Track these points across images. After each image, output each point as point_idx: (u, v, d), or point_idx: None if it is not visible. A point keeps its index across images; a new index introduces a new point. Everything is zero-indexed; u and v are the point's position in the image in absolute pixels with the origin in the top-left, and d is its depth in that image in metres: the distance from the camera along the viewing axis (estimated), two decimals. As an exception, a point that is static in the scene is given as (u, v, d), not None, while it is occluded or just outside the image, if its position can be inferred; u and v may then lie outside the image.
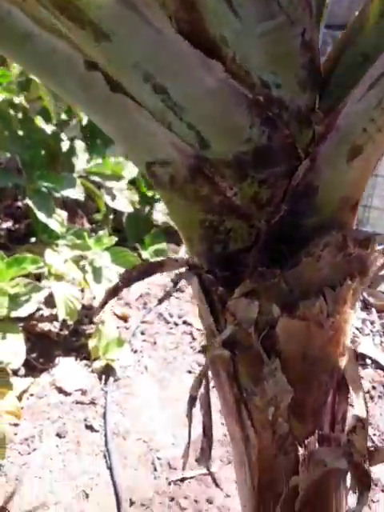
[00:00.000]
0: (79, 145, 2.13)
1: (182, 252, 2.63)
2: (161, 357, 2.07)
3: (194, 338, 2.19)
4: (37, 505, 1.44)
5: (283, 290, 0.53)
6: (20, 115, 2.03)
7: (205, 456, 0.93)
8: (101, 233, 2.02)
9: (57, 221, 1.90)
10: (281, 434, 0.67)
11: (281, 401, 0.62)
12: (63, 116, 2.12)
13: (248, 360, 0.59)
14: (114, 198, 2.26)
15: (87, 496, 1.47)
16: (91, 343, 1.95)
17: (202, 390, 0.89)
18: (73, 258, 1.91)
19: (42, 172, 1.94)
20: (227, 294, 0.55)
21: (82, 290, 2.02)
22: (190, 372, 2.01)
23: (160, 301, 2.22)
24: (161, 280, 2.56)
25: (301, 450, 0.70)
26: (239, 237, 0.49)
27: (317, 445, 0.70)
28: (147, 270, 0.59)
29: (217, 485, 0.93)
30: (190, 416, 0.92)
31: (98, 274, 1.93)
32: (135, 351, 2.08)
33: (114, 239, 2.04)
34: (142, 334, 2.20)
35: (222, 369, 0.66)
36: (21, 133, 1.89)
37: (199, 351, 2.12)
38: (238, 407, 0.69)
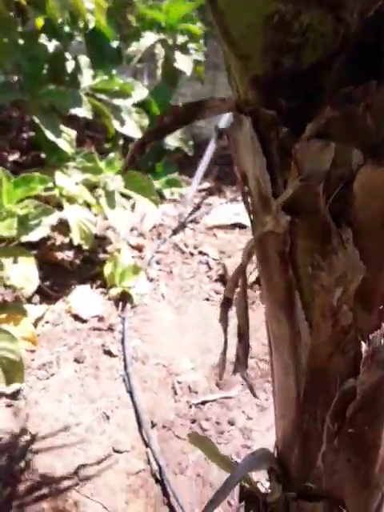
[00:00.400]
0: (84, 60, 1.93)
1: (195, 184, 2.47)
2: (177, 285, 1.98)
3: (210, 268, 2.09)
4: (57, 427, 1.39)
5: (368, 129, 0.40)
6: (20, 28, 1.83)
7: (241, 363, 0.83)
8: (112, 155, 1.87)
9: (66, 140, 1.75)
10: (342, 326, 0.55)
11: (350, 281, 0.50)
12: (66, 28, 1.90)
13: (312, 231, 0.47)
14: (122, 122, 2.08)
15: (108, 418, 1.43)
16: (106, 271, 1.86)
17: (237, 290, 0.77)
18: (83, 181, 1.77)
19: (46, 88, 1.76)
20: (292, 139, 0.42)
21: (95, 215, 1.89)
22: (207, 299, 1.93)
23: (175, 231, 2.10)
24: (174, 211, 2.43)
25: (363, 347, 0.58)
26: (319, 39, 0.35)
27: (382, 341, 0.58)
28: (185, 114, 0.45)
29: (254, 395, 0.84)
30: (225, 319, 0.81)
31: (111, 198, 1.80)
32: (151, 280, 1.98)
33: (127, 162, 1.88)
34: (158, 263, 2.10)
35: (273, 249, 0.54)
36: (21, 42, 1.70)
37: (216, 280, 2.02)
38: (289, 297, 0.58)
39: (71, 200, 1.71)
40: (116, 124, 2.04)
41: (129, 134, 2.12)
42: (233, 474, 0.88)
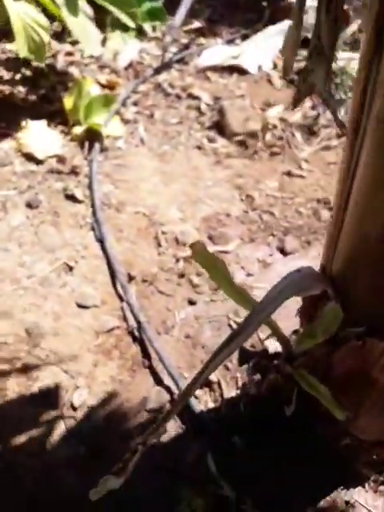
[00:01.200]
0: None
1: (183, 11, 1.98)
2: (160, 131, 1.60)
3: (201, 113, 1.70)
4: (2, 280, 1.08)
5: None
6: None
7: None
8: None
9: None
10: None
11: None
12: None
13: None
14: None
15: (71, 269, 1.11)
16: (68, 103, 1.45)
17: None
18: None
19: None
20: None
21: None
22: (199, 148, 1.56)
23: (157, 70, 1.63)
24: (156, 50, 1.97)
25: None
26: None
27: None
28: None
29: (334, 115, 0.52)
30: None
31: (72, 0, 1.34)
32: (127, 122, 1.59)
33: None
34: (135, 105, 1.69)
35: None
36: None
37: (209, 127, 1.64)
38: None
39: (14, -8, 1.26)
40: None
41: None
42: (261, 306, 0.57)
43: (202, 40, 2.10)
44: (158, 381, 0.93)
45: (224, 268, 0.65)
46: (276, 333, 0.68)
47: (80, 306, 1.03)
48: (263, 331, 1.05)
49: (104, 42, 1.92)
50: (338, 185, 0.58)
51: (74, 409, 0.88)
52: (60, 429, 0.85)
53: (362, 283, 0.53)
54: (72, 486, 0.77)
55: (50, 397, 0.90)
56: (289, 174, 1.49)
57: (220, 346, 0.58)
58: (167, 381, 0.92)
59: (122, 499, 0.72)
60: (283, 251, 1.27)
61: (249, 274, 1.20)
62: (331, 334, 0.58)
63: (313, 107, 1.81)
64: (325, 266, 0.61)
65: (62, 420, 0.87)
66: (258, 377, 0.94)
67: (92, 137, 1.44)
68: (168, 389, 0.92)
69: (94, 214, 1.23)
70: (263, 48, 2.03)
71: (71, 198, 1.28)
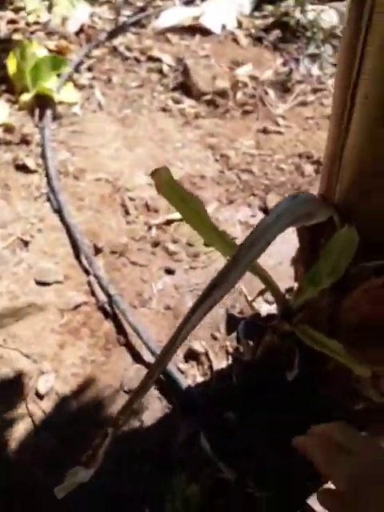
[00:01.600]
0: None
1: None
2: (120, 95, 1.49)
3: (164, 75, 1.60)
4: None
5: None
6: None
7: None
8: None
9: None
10: None
11: None
12: None
13: None
14: None
15: (26, 244, 1.00)
16: (11, 66, 1.33)
17: None
18: None
19: None
20: None
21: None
22: (164, 110, 1.46)
23: (112, 33, 1.51)
24: (108, 13, 1.86)
25: None
26: None
27: None
28: None
29: None
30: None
31: None
32: (82, 87, 1.48)
33: None
34: (89, 70, 1.58)
35: None
36: None
37: (174, 88, 1.54)
38: None
39: None
40: None
41: None
42: (250, 240, 0.46)
43: (158, 2, 2.00)
44: (137, 357, 0.83)
45: (199, 204, 0.55)
46: (268, 284, 0.58)
47: (39, 283, 0.92)
48: (250, 293, 0.96)
49: (50, 8, 1.81)
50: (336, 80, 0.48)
51: (40, 397, 0.78)
52: (26, 421, 0.75)
53: (375, 202, 0.44)
54: (41, 482, 0.66)
55: (11, 386, 0.79)
56: (265, 131, 1.41)
57: (198, 299, 0.47)
58: (147, 356, 0.83)
59: (100, 492, 0.62)
60: (266, 211, 1.19)
61: (231, 238, 1.11)
62: (340, 273, 0.48)
63: (284, 64, 1.74)
64: (325, 196, 0.51)
65: (27, 410, 0.76)
66: (250, 342, 0.85)
67: (42, 103, 1.33)
68: (148, 365, 0.82)
69: (49, 183, 1.12)
70: (224, 7, 1.94)
71: (22, 168, 1.16)
